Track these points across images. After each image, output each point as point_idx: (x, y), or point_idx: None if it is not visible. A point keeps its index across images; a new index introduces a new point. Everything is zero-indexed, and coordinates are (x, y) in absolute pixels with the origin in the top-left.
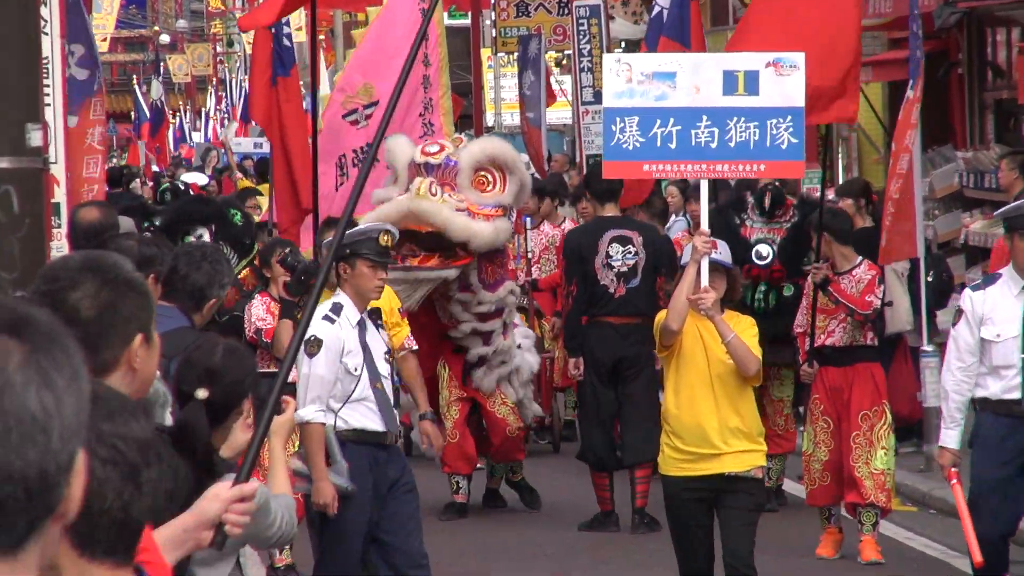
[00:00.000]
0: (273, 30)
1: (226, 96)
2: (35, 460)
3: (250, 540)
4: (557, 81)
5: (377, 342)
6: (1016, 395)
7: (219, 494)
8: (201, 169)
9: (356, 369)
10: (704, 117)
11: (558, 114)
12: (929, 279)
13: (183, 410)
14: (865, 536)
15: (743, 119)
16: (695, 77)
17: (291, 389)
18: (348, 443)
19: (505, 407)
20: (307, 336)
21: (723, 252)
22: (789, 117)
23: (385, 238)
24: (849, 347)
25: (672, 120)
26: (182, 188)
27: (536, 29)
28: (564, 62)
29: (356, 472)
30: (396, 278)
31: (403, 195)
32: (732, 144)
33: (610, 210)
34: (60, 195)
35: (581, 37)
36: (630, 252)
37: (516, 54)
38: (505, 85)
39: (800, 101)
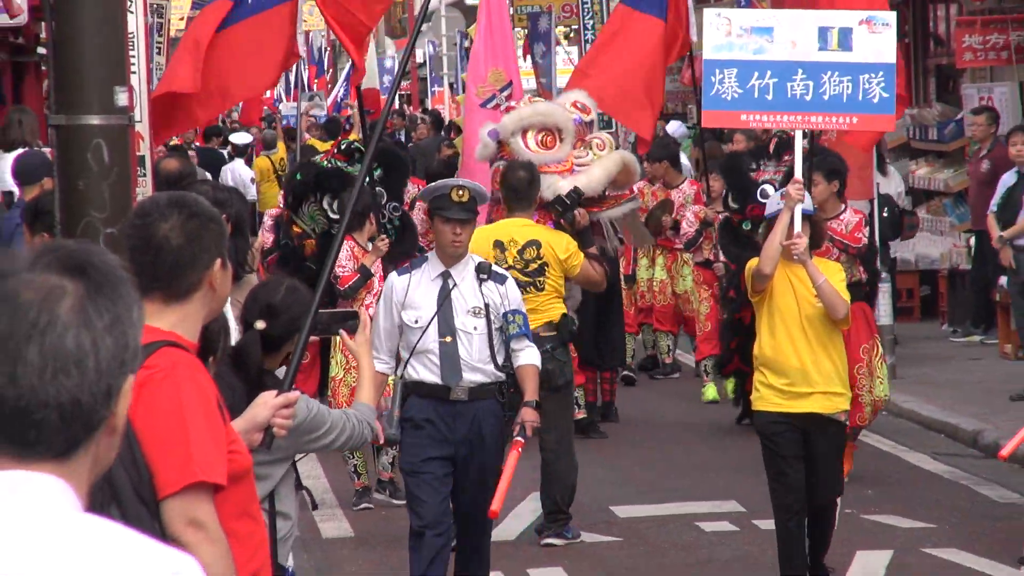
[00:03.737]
0: None
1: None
2: (69, 390)
3: (306, 447)
4: (566, 51)
5: (469, 296)
6: None
7: (267, 401)
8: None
9: (417, 322)
10: (800, 70)
11: (566, 79)
12: (884, 215)
13: (243, 336)
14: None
15: (837, 73)
16: (792, 32)
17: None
18: (413, 395)
19: None
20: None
21: (808, 201)
22: (881, 72)
23: (459, 193)
24: (848, 284)
25: (769, 73)
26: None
27: (547, 7)
28: (571, 35)
29: (420, 419)
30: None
31: (586, 156)
32: (826, 97)
33: None
34: (144, 148)
35: (586, 14)
36: None
37: (527, 29)
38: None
39: (891, 57)
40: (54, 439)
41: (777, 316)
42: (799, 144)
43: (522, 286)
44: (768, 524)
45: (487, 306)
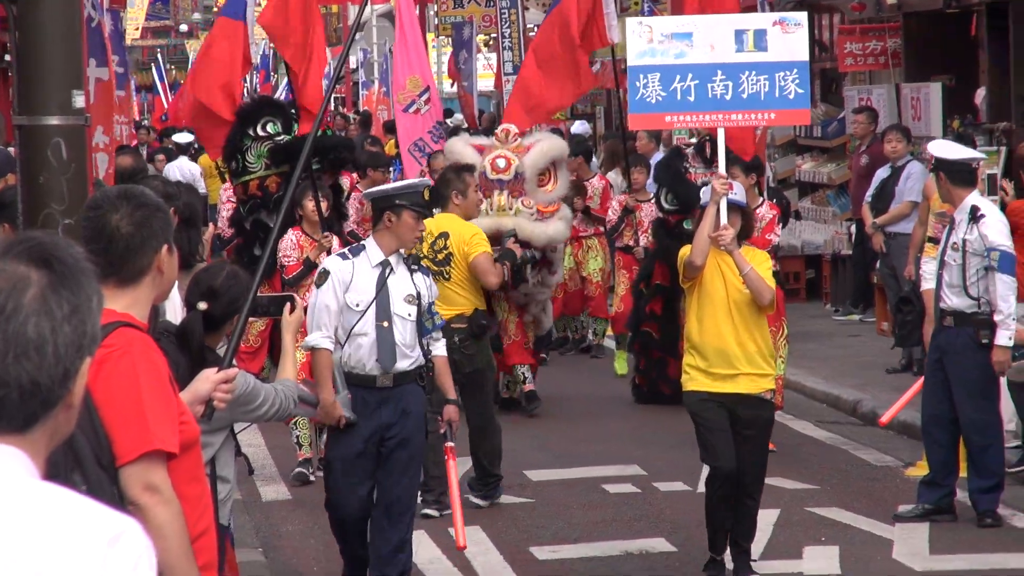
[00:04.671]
0: None
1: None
2: (28, 372)
3: (242, 417)
4: (485, 57)
5: (403, 284)
6: None
7: (208, 376)
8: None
9: (359, 305)
10: (719, 72)
11: (485, 83)
12: None
13: (186, 317)
14: None
15: (754, 73)
16: (710, 36)
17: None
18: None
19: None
20: (319, 269)
21: (738, 193)
22: (795, 70)
23: (426, 193)
24: None
25: (690, 75)
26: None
27: (469, 18)
28: (491, 43)
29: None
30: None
31: (483, 205)
32: (745, 96)
33: None
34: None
35: (504, 23)
36: None
37: (452, 37)
38: (445, 61)
39: (804, 55)
40: (14, 414)
41: (706, 301)
42: (722, 141)
43: (432, 275)
44: (667, 486)
45: (419, 294)
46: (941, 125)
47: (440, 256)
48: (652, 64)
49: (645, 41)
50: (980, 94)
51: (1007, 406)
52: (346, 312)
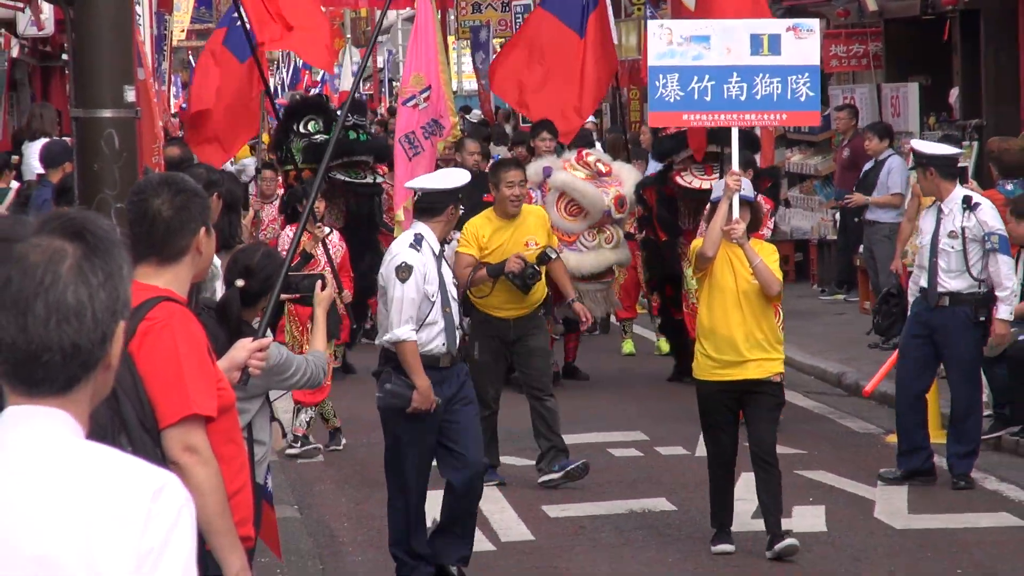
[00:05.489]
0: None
1: (275, 71)
2: (70, 336)
3: (276, 385)
4: None
5: (447, 271)
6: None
7: (245, 345)
8: None
9: (432, 295)
10: (734, 74)
11: None
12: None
13: (225, 293)
14: None
15: (767, 75)
16: (726, 39)
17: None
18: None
19: None
20: (399, 263)
21: (747, 188)
22: (806, 74)
23: None
24: None
25: (707, 76)
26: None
27: (486, 22)
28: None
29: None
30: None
31: (593, 241)
32: (758, 97)
33: None
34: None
35: (518, 27)
36: None
37: (470, 40)
38: (464, 62)
39: (816, 60)
40: (57, 377)
41: (716, 291)
42: (735, 139)
43: None
44: (668, 451)
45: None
46: (918, 122)
47: None
48: (671, 65)
49: (665, 43)
50: (954, 93)
51: None
52: (422, 302)
